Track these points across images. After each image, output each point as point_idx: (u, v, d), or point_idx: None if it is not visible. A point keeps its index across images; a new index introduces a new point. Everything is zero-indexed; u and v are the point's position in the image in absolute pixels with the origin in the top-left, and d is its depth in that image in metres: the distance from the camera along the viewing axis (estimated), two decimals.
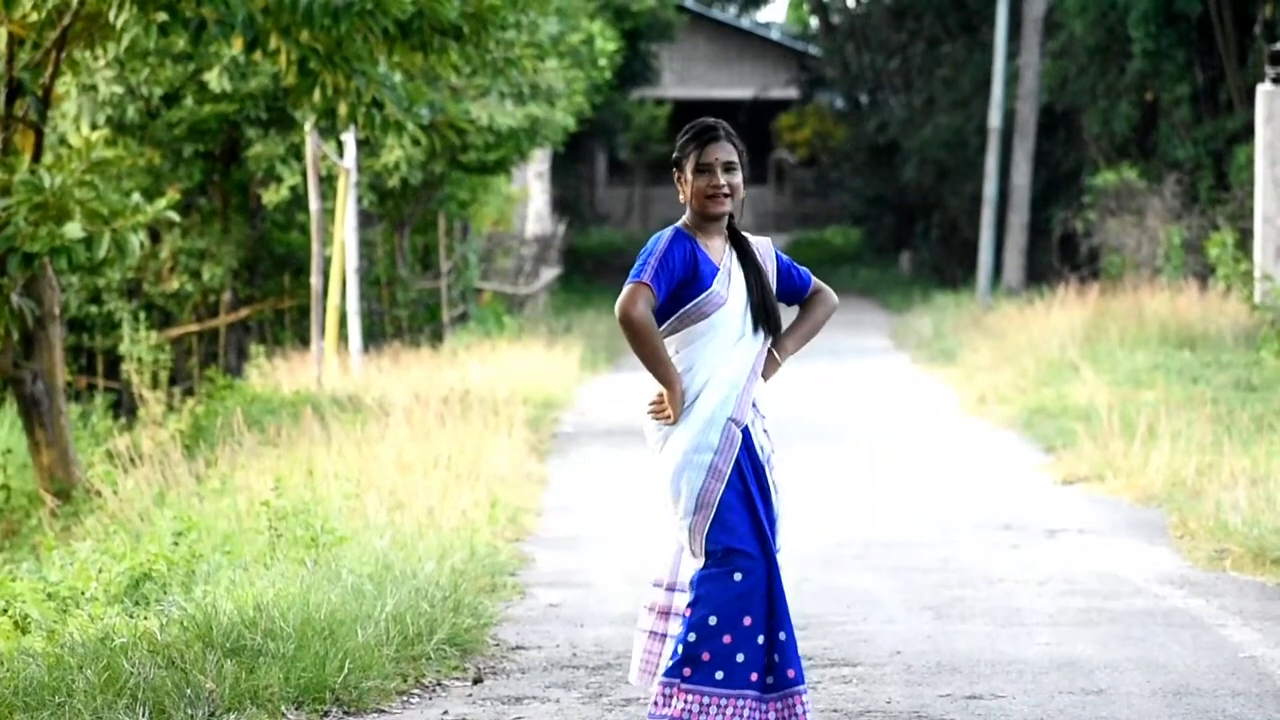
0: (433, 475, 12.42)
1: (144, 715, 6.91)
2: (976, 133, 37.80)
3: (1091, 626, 9.06)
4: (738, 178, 6.46)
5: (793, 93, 54.99)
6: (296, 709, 7.31)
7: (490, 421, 15.25)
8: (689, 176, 6.44)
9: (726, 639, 6.34)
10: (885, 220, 46.06)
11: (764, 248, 6.58)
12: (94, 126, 20.66)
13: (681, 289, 6.41)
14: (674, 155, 6.52)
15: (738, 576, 6.34)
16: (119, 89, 21.30)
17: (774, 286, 6.55)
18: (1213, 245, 24.38)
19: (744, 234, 6.57)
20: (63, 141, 19.49)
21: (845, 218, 52.77)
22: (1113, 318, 23.50)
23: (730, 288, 6.45)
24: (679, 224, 6.51)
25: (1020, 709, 7.39)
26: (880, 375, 23.65)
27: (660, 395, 6.43)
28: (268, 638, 7.73)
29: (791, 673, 6.40)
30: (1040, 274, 34.04)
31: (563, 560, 11.33)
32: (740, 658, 6.35)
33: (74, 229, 12.50)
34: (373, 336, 23.96)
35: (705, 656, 6.34)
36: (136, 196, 13.20)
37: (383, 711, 7.52)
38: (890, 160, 43.21)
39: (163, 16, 12.58)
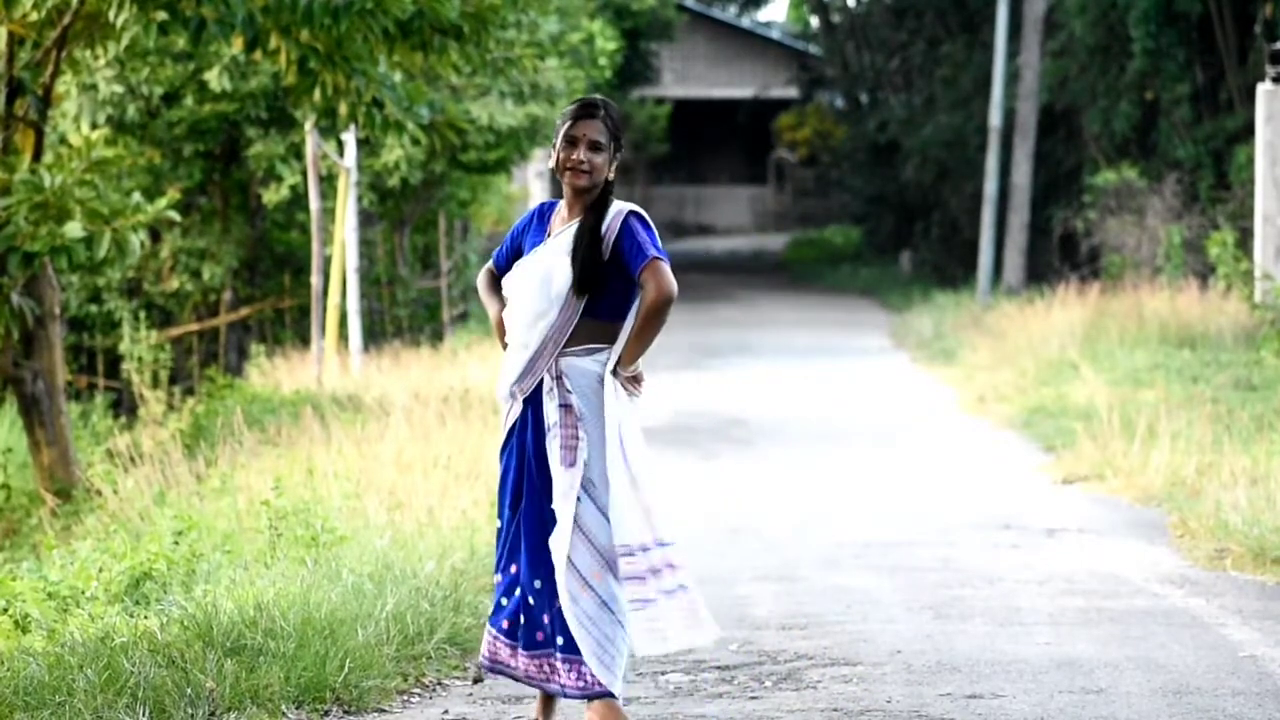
0: (432, 475, 12.41)
1: (144, 715, 6.91)
2: (976, 132, 37.78)
3: (1091, 626, 9.06)
4: (601, 158, 6.51)
5: (793, 92, 55.00)
6: (297, 708, 7.31)
7: (490, 421, 15.22)
8: (558, 145, 6.53)
9: (496, 578, 6.64)
10: (885, 220, 46.03)
11: (616, 217, 6.49)
12: (94, 126, 20.66)
13: (517, 257, 6.68)
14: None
15: (498, 524, 6.68)
16: (119, 88, 21.31)
17: (607, 256, 6.44)
18: (1213, 245, 24.36)
19: (609, 207, 6.52)
20: (63, 141, 19.48)
21: (845, 217, 52.76)
22: (1113, 317, 23.48)
23: (538, 258, 6.52)
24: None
25: (1020, 708, 7.39)
26: (880, 375, 23.62)
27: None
28: (268, 637, 7.72)
29: (541, 635, 6.52)
30: (1040, 273, 34.01)
31: None
32: (504, 601, 6.61)
33: (74, 228, 12.50)
34: (373, 336, 23.96)
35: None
36: (136, 196, 13.20)
37: (383, 711, 7.52)
38: (890, 160, 43.19)
39: (163, 16, 12.58)
